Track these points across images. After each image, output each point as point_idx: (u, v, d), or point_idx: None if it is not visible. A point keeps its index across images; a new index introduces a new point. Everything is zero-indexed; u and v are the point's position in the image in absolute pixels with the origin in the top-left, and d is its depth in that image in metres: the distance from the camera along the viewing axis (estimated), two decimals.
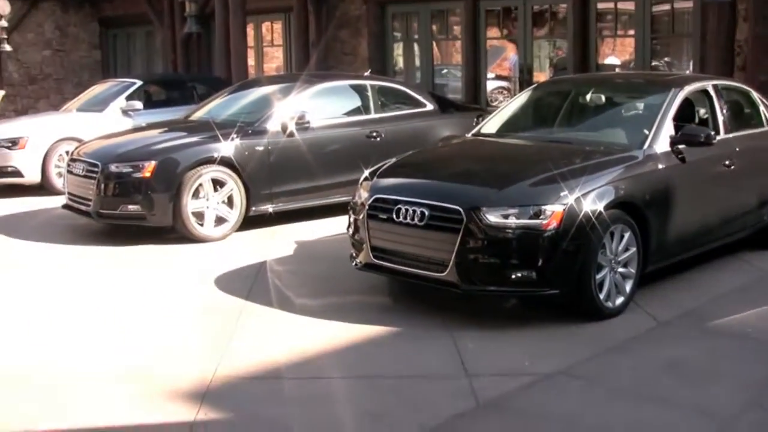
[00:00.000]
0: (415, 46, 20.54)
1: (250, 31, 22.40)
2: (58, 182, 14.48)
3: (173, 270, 9.62)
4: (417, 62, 20.50)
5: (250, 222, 11.16)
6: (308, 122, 11.41)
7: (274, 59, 25.13)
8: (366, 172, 8.60)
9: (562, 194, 7.34)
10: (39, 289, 8.91)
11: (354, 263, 8.33)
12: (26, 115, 25.09)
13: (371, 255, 7.99)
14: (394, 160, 8.86)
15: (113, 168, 10.73)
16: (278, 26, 24.15)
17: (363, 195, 8.22)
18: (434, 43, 20.37)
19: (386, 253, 7.90)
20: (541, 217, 7.25)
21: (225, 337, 7.28)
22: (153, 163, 10.57)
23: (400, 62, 20.97)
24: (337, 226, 10.99)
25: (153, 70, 27.35)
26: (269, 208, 11.29)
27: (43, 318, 7.89)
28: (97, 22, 29.20)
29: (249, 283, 8.89)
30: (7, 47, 25.67)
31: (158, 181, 10.56)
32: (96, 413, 5.83)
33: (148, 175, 10.54)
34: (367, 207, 8.02)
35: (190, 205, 10.60)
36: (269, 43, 24.73)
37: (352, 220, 8.43)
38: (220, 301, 8.36)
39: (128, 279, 9.25)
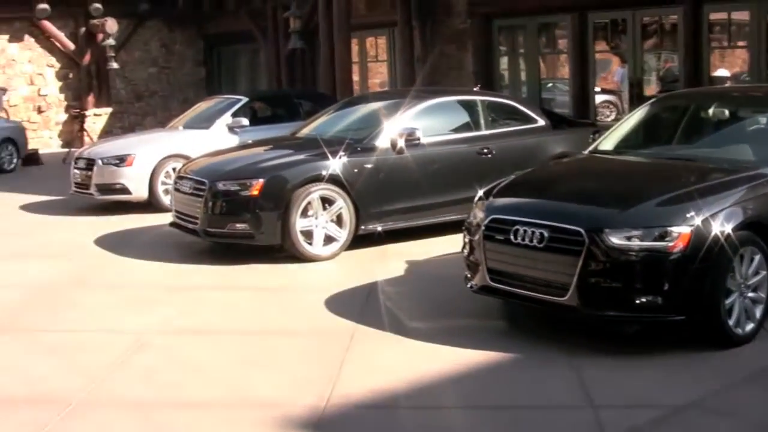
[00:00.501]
0: (521, 60, 20.23)
1: (354, 46, 22.29)
2: (164, 199, 14.46)
3: (282, 291, 9.47)
4: (523, 76, 20.19)
5: (358, 241, 10.95)
6: (418, 139, 11.16)
7: (378, 75, 25.03)
8: (480, 192, 8.33)
9: (688, 215, 6.97)
10: (148, 311, 8.80)
11: (469, 285, 8.06)
12: (133, 132, 25.35)
13: (487, 277, 7.71)
14: (510, 178, 8.56)
15: (221, 186, 10.64)
16: (382, 41, 24.03)
17: (478, 215, 7.94)
18: (540, 57, 20.04)
19: (503, 275, 7.61)
20: (666, 239, 6.89)
21: (337, 361, 7.07)
22: (261, 181, 10.44)
23: (506, 77, 20.66)
24: (447, 245, 10.75)
25: (257, 86, 27.48)
26: (378, 227, 11.06)
27: (154, 342, 7.77)
28: (202, 40, 29.46)
29: (360, 305, 8.68)
30: (115, 65, 26.09)
31: (266, 199, 10.42)
32: None
33: (256, 193, 10.41)
34: (483, 228, 7.74)
35: (298, 223, 10.43)
36: (373, 58, 24.64)
37: (467, 240, 8.15)
38: (330, 323, 8.16)
39: (236, 300, 9.12)
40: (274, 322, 8.30)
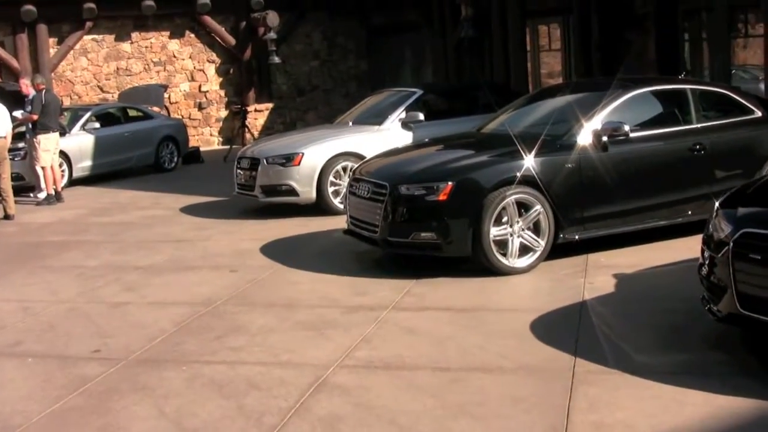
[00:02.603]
0: (704, 46, 18.54)
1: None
2: (334, 201, 13.39)
3: (477, 311, 8.16)
4: (706, 63, 18.52)
5: (552, 251, 9.59)
6: (626, 135, 9.72)
7: (546, 64, 23.68)
8: (719, 199, 6.92)
9: None
10: (325, 338, 7.63)
11: (710, 310, 6.61)
12: (294, 128, 24.60)
13: (737, 305, 6.24)
14: (762, 180, 7.08)
15: (404, 190, 9.40)
16: (555, 29, 22.66)
17: (723, 227, 6.48)
18: (730, 42, 18.31)
19: (758, 303, 6.14)
20: None
21: (560, 410, 5.73)
22: (449, 184, 9.16)
23: (688, 63, 19.05)
24: (655, 255, 9.49)
25: (422, 78, 26.29)
26: (576, 235, 9.68)
27: (336, 380, 6.58)
28: (365, 31, 28.41)
29: (572, 331, 7.32)
30: (277, 59, 25.36)
31: (456, 204, 9.15)
32: None
33: (444, 198, 9.14)
34: (731, 244, 6.28)
35: (492, 232, 9.13)
36: (545, 47, 23.26)
37: (706, 256, 6.71)
38: (543, 356, 6.81)
39: (425, 324, 7.83)
40: (474, 353, 6.98)
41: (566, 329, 7.40)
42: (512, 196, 9.23)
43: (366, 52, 28.90)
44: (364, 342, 7.35)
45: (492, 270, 9.22)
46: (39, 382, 6.94)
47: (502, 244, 9.26)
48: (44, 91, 16.98)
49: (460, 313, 8.10)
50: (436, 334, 7.48)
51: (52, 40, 25.55)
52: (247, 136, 23.58)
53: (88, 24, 25.73)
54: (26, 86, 17.26)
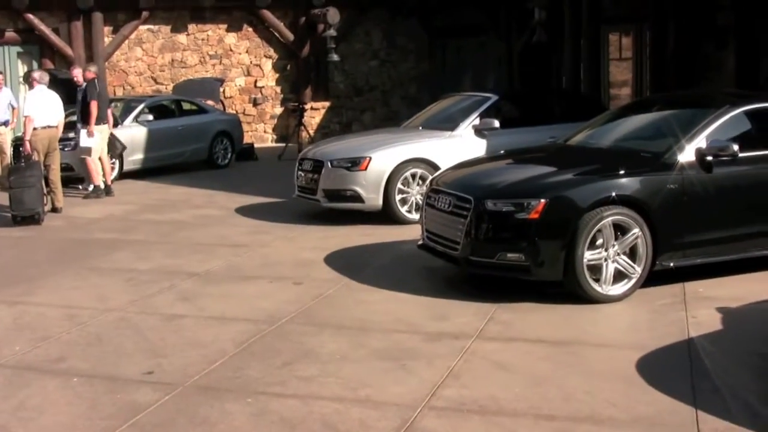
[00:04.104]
0: None
1: None
2: (401, 210, 12.58)
3: (573, 346, 7.26)
4: None
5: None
6: (734, 155, 8.81)
7: (615, 74, 22.75)
8: None
9: None
10: (406, 371, 6.78)
11: None
12: (351, 129, 23.95)
13: None
14: None
15: (490, 205, 8.53)
16: (626, 37, 21.77)
17: None
18: None
19: None
20: None
21: None
22: (542, 201, 8.29)
23: None
24: (763, 288, 8.59)
25: (484, 83, 25.43)
26: (671, 262, 8.78)
27: (426, 426, 5.74)
28: (426, 32, 27.58)
29: (685, 376, 6.44)
30: (335, 57, 24.68)
31: (549, 224, 8.28)
32: None
33: (535, 216, 8.27)
34: None
35: (586, 255, 8.26)
36: (616, 56, 22.37)
37: None
38: (658, 406, 5.92)
39: (518, 359, 6.95)
40: (579, 398, 6.10)
41: (678, 372, 6.54)
42: (610, 217, 8.35)
43: (428, 54, 28.04)
44: (452, 378, 6.49)
45: (583, 297, 8.36)
46: (84, 408, 6.16)
47: (595, 269, 8.39)
48: (96, 80, 16.29)
49: (554, 347, 7.23)
50: (531, 372, 6.61)
51: (107, 29, 24.96)
52: (303, 134, 22.81)
53: (145, 14, 25.14)
54: (79, 75, 16.60)
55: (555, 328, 7.73)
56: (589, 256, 8.31)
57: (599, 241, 8.37)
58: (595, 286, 8.36)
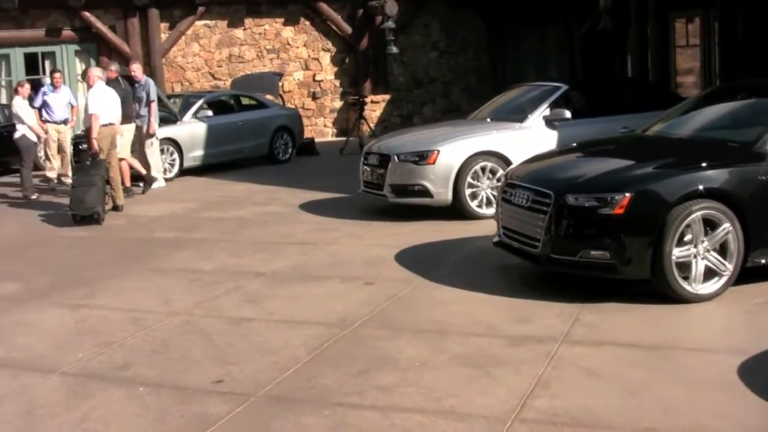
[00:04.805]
0: None
1: None
2: (471, 204, 12.16)
3: (665, 351, 6.78)
4: None
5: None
6: None
7: (680, 61, 22.13)
8: None
9: None
10: (494, 384, 6.35)
11: None
12: (412, 122, 23.61)
13: None
14: None
15: (571, 200, 8.08)
16: (693, 23, 21.12)
17: None
18: None
19: None
20: None
21: None
22: (627, 195, 7.82)
23: None
24: None
25: (547, 73, 24.90)
26: (763, 259, 8.28)
27: None
28: (484, 23, 27.11)
29: None
30: (394, 49, 24.42)
31: (635, 219, 7.81)
32: None
33: (620, 211, 7.80)
34: None
35: (674, 252, 7.80)
36: (682, 42, 21.75)
37: None
38: (766, 416, 5.49)
39: (611, 366, 6.47)
40: (680, 409, 5.60)
41: None
42: (699, 211, 7.86)
43: (488, 45, 27.56)
44: (541, 387, 6.07)
45: (671, 296, 7.89)
46: (151, 420, 5.84)
47: (684, 267, 7.92)
48: (120, 78, 15.98)
49: (646, 352, 6.78)
50: (625, 380, 6.17)
51: (163, 25, 24.78)
52: (364, 128, 22.44)
53: (201, 9, 24.92)
54: (138, 71, 16.37)
55: (644, 330, 7.27)
56: (677, 252, 7.83)
57: (688, 237, 7.89)
58: (685, 284, 7.88)
